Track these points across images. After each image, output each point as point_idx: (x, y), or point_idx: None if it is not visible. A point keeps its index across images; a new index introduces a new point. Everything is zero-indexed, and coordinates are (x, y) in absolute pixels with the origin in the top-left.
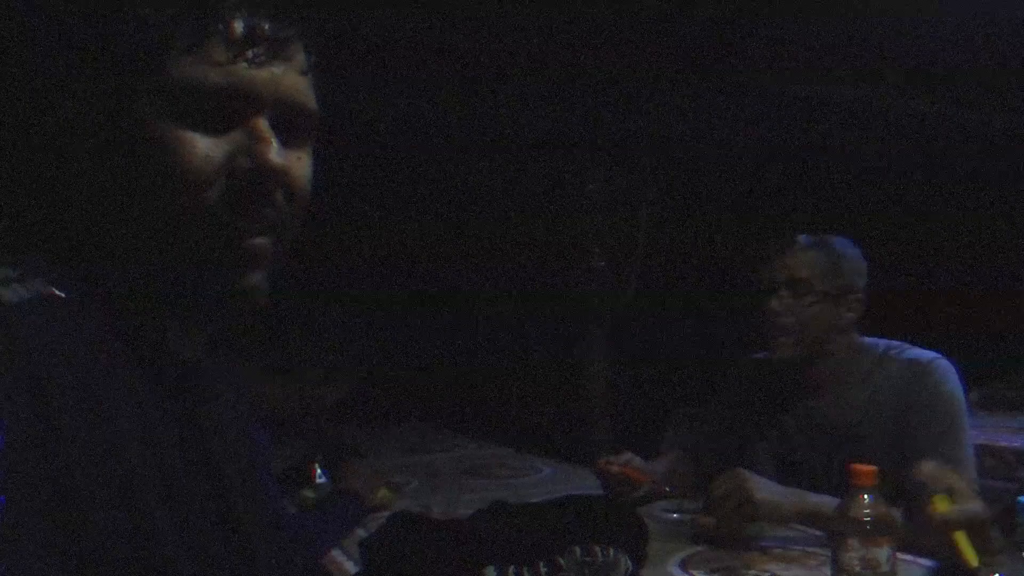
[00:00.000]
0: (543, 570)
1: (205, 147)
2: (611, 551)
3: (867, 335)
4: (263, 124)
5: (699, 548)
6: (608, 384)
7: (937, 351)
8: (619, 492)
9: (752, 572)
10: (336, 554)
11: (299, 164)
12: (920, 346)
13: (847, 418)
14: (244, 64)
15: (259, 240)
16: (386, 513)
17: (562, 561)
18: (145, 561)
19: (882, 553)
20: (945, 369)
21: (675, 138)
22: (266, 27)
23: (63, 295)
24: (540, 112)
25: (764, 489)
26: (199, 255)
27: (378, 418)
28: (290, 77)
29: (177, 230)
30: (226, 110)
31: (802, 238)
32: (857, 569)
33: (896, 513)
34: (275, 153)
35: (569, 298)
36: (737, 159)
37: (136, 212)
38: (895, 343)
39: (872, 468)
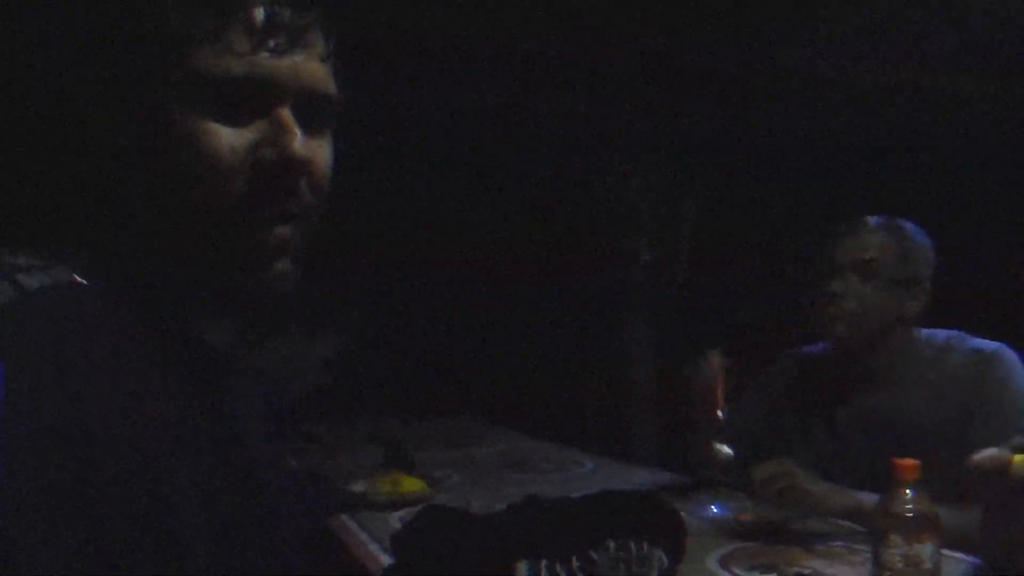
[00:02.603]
0: (576, 565)
1: (229, 138)
2: (645, 546)
3: (938, 326)
4: (287, 114)
5: (739, 544)
6: (654, 379)
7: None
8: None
9: (794, 569)
10: (373, 548)
11: (320, 152)
12: (996, 337)
13: (905, 413)
14: (266, 53)
15: (281, 229)
16: (415, 508)
17: (595, 556)
18: (166, 555)
19: (925, 550)
20: (1011, 360)
21: (722, 129)
22: (286, 15)
23: (86, 283)
24: (584, 103)
25: (809, 479)
26: (224, 246)
27: (423, 411)
28: (311, 65)
29: (201, 221)
30: (249, 101)
31: (872, 219)
32: (899, 566)
33: (941, 510)
34: (299, 144)
35: (615, 292)
36: (785, 149)
37: (160, 203)
38: (955, 333)
39: (915, 462)
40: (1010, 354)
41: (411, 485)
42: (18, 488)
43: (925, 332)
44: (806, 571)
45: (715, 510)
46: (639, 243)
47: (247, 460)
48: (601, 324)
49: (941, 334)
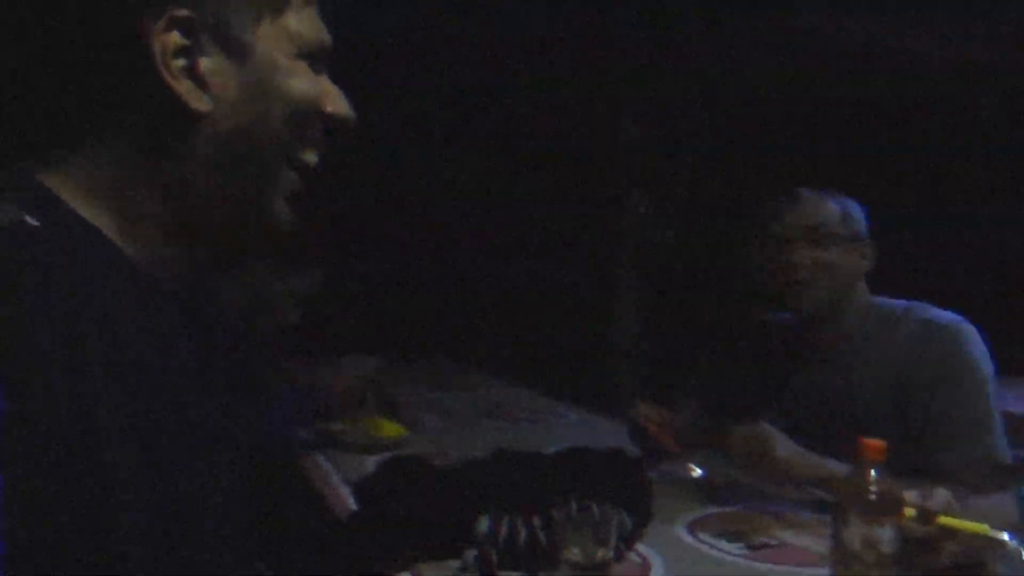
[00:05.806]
0: (537, 523)
1: (312, 80)
2: (609, 508)
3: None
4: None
5: (711, 510)
6: (640, 333)
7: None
8: (643, 447)
9: (762, 538)
10: (342, 490)
11: None
12: (956, 310)
13: (850, 386)
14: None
15: (299, 175)
16: (388, 454)
17: (556, 515)
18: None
19: (884, 532)
20: (965, 332)
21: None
22: None
23: (36, 223)
24: (583, 49)
25: (785, 447)
26: (254, 181)
27: (404, 351)
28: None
29: (251, 155)
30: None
31: (805, 191)
32: (856, 547)
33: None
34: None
35: (606, 243)
36: (787, 105)
37: (213, 132)
38: (916, 304)
39: (881, 443)
40: (966, 327)
41: (389, 430)
42: None
43: (882, 300)
44: (773, 542)
45: (692, 471)
46: (634, 195)
47: (190, 395)
48: (592, 276)
49: (900, 304)
